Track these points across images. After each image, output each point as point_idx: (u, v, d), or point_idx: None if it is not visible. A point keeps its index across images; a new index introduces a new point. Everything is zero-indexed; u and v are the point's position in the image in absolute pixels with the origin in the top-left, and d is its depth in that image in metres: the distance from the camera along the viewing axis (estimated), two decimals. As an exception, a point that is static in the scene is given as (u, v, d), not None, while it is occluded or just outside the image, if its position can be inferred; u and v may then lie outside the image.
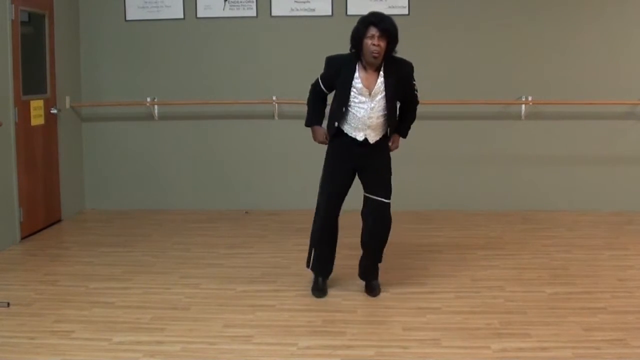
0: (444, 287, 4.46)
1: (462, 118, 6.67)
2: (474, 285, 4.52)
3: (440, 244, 5.53)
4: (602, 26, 6.52)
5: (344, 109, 4.12)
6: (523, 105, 6.63)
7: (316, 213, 4.36)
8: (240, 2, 6.71)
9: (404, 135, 4.37)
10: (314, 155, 6.72)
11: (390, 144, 4.26)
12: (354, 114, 4.11)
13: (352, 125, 4.15)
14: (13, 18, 5.61)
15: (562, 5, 6.53)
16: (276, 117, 6.76)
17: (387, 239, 4.29)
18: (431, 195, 6.73)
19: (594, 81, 6.53)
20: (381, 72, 4.09)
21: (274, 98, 6.69)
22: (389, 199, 4.22)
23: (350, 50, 4.14)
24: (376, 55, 4.00)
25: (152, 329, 3.83)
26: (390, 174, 4.26)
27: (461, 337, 3.67)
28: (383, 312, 4.06)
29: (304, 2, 6.67)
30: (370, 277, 4.39)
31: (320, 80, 4.30)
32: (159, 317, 4.00)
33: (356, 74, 4.10)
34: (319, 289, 4.35)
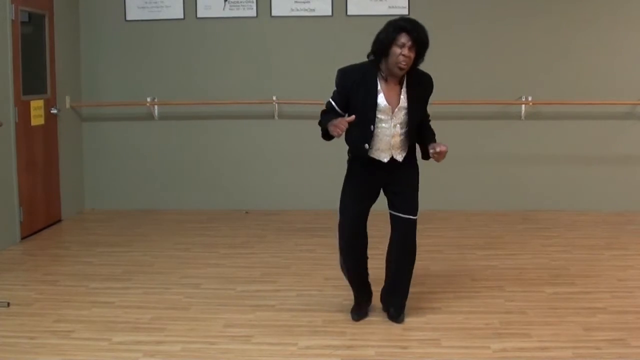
0: (444, 287, 4.46)
1: (462, 118, 6.67)
2: (474, 285, 4.52)
3: (440, 244, 5.53)
4: (602, 26, 6.51)
5: (372, 127, 3.66)
6: (523, 105, 6.62)
7: (341, 237, 3.88)
8: (240, 2, 6.71)
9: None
10: (314, 155, 6.75)
11: (432, 153, 3.67)
12: (377, 135, 3.69)
13: (375, 146, 3.71)
14: (13, 18, 5.61)
15: (562, 6, 6.52)
16: (276, 117, 6.75)
17: (414, 257, 3.93)
18: (431, 195, 6.70)
19: (593, 81, 6.53)
20: (404, 86, 3.68)
21: (274, 98, 6.68)
22: (416, 215, 3.84)
23: (368, 56, 3.69)
24: (403, 66, 3.56)
25: (152, 329, 3.83)
26: (417, 190, 3.87)
27: (461, 337, 3.67)
28: (383, 312, 4.05)
29: (304, 2, 6.66)
30: (395, 302, 3.96)
31: (332, 102, 3.76)
32: (159, 317, 4.00)
33: (378, 88, 3.65)
34: (359, 312, 3.96)
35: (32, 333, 3.77)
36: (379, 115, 3.67)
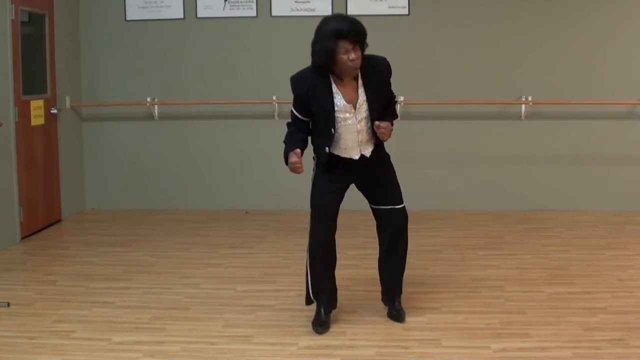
0: (444, 287, 4.46)
1: (462, 118, 6.67)
2: (474, 285, 4.52)
3: (440, 244, 5.53)
4: (603, 26, 6.51)
5: (332, 130, 3.63)
6: (523, 105, 6.62)
7: (312, 239, 3.95)
8: (240, 2, 6.71)
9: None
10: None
11: (377, 128, 3.60)
12: (342, 133, 3.66)
13: (342, 145, 3.69)
14: (13, 18, 5.61)
15: (563, 6, 6.53)
16: (276, 117, 6.75)
17: (406, 245, 3.93)
18: (431, 195, 6.73)
19: (593, 81, 6.53)
20: (359, 79, 3.62)
21: (274, 98, 6.69)
22: (402, 202, 3.86)
23: (314, 67, 3.63)
24: (357, 66, 3.52)
25: (152, 329, 3.83)
26: (395, 176, 3.88)
27: (461, 337, 3.67)
28: (383, 312, 4.04)
29: (304, 2, 6.67)
30: (396, 294, 3.97)
31: (294, 111, 3.72)
32: (159, 317, 4.00)
33: (334, 90, 3.60)
34: (322, 323, 3.81)
35: (32, 333, 3.77)
36: (341, 115, 3.62)
